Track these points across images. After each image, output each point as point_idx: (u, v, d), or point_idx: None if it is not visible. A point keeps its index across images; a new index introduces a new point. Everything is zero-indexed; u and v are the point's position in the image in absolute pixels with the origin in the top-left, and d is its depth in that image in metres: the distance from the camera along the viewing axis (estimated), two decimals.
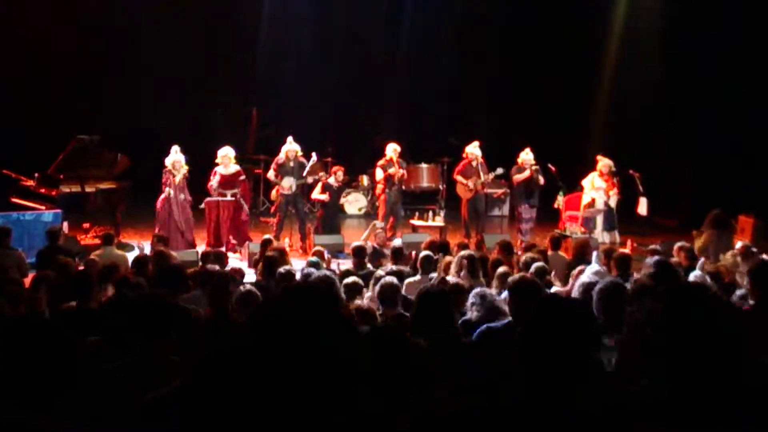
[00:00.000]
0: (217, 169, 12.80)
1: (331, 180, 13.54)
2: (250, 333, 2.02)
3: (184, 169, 12.54)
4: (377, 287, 5.89)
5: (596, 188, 13.48)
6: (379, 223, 13.10)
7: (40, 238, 11.17)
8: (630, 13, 17.69)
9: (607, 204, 13.47)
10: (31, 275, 8.33)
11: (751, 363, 2.44)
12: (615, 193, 13.51)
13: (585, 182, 13.68)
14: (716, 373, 2.32)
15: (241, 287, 5.99)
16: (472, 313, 5.44)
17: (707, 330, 2.37)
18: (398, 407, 2.84)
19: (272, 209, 13.87)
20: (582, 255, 9.02)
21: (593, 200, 13.47)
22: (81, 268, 8.39)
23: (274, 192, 13.45)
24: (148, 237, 12.29)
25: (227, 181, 12.78)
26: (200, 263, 9.08)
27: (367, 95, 18.26)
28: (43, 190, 12.52)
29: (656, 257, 7.38)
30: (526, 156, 13.63)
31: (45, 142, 14.21)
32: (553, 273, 8.32)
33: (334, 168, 14.00)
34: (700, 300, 2.50)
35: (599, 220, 13.48)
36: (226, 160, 12.80)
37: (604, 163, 13.57)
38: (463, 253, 7.85)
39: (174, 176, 12.41)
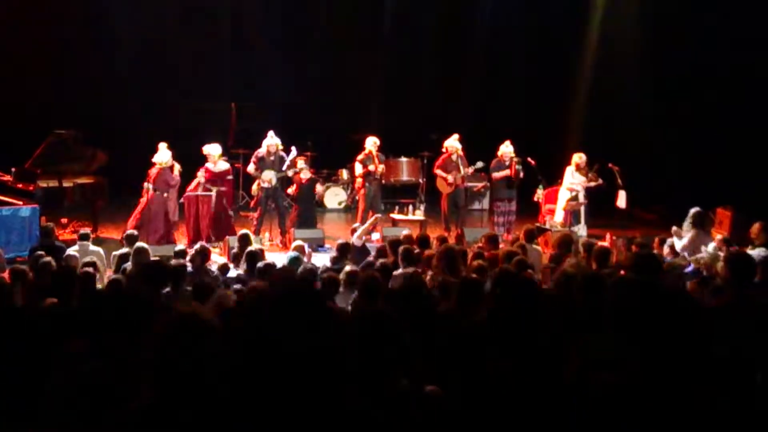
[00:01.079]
0: (207, 165, 12.80)
1: (303, 174, 13.44)
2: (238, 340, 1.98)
3: (178, 166, 12.62)
4: (359, 281, 5.85)
5: (577, 182, 13.53)
6: (382, 216, 13.10)
7: (17, 233, 11.08)
8: (608, 4, 17.75)
9: (588, 197, 13.54)
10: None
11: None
12: (598, 183, 13.57)
13: (565, 180, 13.74)
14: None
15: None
16: None
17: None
18: (385, 403, 2.83)
19: (252, 203, 13.82)
20: (565, 248, 9.05)
21: (576, 194, 13.51)
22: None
23: (255, 186, 13.39)
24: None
25: (214, 178, 12.78)
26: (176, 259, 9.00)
27: (347, 89, 18.20)
28: (20, 185, 12.41)
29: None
30: (506, 149, 13.62)
31: (22, 136, 14.04)
32: None
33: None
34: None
35: (583, 212, 13.53)
36: (212, 158, 12.78)
37: (579, 158, 13.64)
38: (442, 247, 7.86)
39: (173, 173, 12.56)
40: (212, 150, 12.80)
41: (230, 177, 13.15)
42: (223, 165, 12.97)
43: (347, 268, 7.61)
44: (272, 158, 13.08)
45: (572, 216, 13.45)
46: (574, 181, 13.54)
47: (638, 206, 15.60)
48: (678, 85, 16.21)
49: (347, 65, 18.37)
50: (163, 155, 12.53)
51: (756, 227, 9.85)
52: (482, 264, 7.53)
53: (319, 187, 14.82)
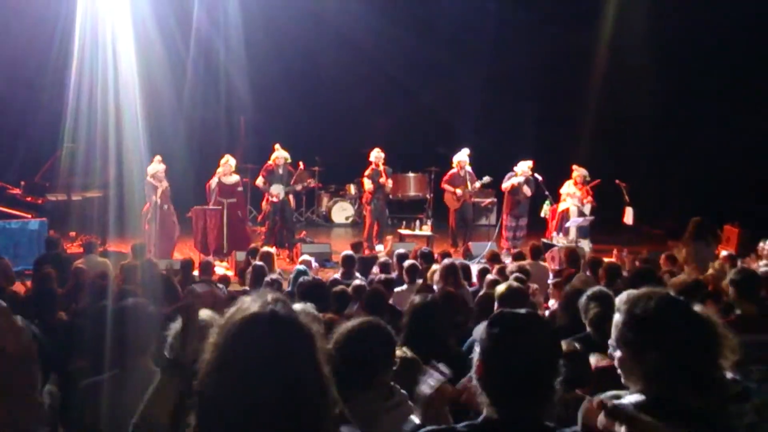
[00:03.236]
0: (217, 176, 12.81)
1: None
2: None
3: (164, 183, 12.50)
4: (365, 295, 5.85)
5: (570, 195, 13.53)
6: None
7: (25, 246, 11.11)
8: (619, 19, 17.75)
9: (581, 212, 13.49)
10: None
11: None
12: (589, 201, 13.55)
13: (562, 191, 13.74)
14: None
15: None
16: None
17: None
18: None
19: (260, 218, 13.83)
20: (572, 264, 9.04)
21: (568, 209, 13.50)
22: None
23: (264, 201, 13.41)
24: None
25: (225, 191, 12.79)
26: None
27: (355, 103, 18.22)
28: (29, 199, 12.47)
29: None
30: (524, 166, 13.60)
31: (31, 150, 14.08)
32: (534, 286, 8.31)
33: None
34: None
35: (572, 228, 13.45)
36: (227, 168, 12.79)
37: (578, 172, 13.63)
38: (445, 261, 7.88)
39: (156, 187, 12.37)
40: (230, 161, 12.85)
41: (240, 189, 13.18)
42: (235, 177, 12.98)
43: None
44: (281, 171, 13.12)
45: (567, 231, 13.37)
46: (571, 193, 13.52)
47: (645, 223, 15.55)
48: (686, 101, 16.20)
49: (355, 79, 18.36)
50: (152, 166, 12.44)
51: None
52: (498, 279, 7.57)
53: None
